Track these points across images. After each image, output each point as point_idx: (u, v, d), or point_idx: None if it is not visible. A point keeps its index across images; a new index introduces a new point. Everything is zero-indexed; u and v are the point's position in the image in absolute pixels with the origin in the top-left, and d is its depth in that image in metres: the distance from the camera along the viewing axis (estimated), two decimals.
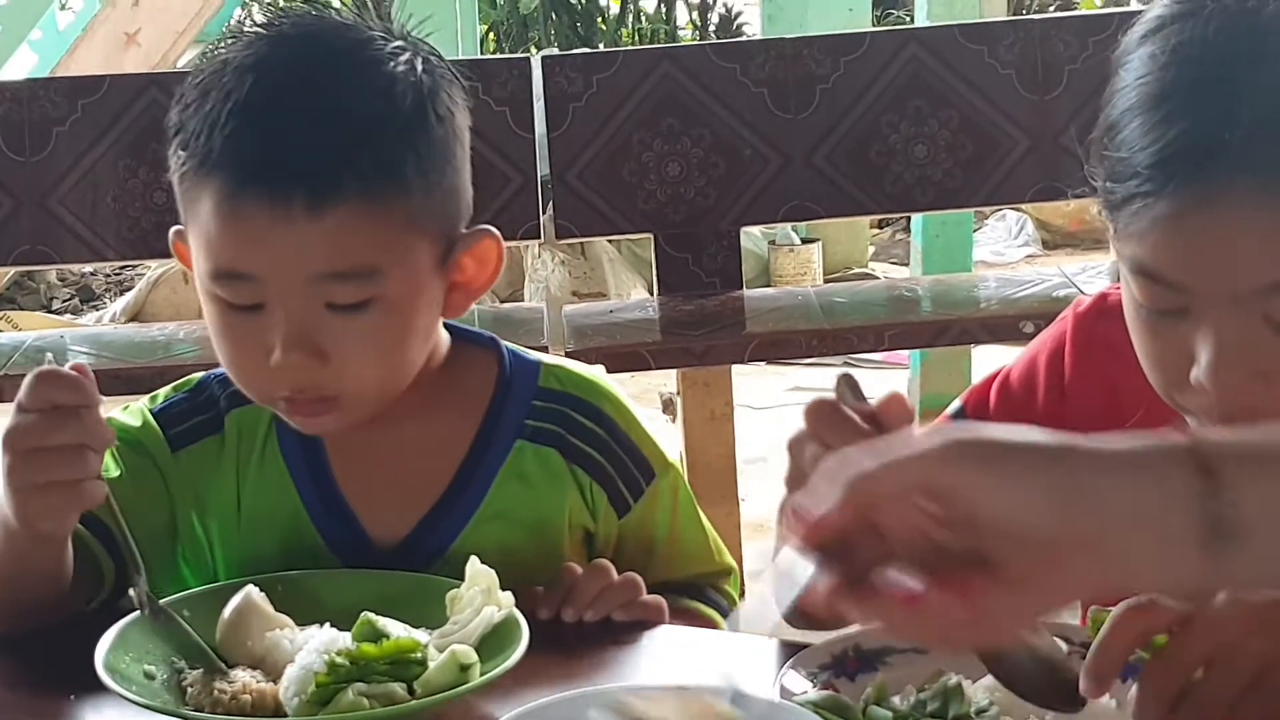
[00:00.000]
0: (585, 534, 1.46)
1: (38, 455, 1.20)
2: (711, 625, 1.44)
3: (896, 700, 1.07)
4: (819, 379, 5.38)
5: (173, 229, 1.40)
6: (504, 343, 1.49)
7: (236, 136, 1.27)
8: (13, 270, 5.57)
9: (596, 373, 1.50)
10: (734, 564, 1.53)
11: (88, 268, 6.35)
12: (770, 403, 5.11)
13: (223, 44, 1.34)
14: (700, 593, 1.48)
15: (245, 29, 1.38)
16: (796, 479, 1.06)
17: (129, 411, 1.47)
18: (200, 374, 1.47)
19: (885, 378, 5.19)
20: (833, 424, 1.07)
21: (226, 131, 1.27)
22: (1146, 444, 0.89)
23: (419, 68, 1.33)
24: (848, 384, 1.10)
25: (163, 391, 1.48)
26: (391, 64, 1.32)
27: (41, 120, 3.61)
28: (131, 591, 1.27)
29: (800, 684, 1.10)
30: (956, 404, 1.46)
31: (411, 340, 1.35)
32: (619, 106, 3.57)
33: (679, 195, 3.62)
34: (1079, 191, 1.25)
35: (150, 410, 1.46)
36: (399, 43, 1.35)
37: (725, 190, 3.63)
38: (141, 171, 3.60)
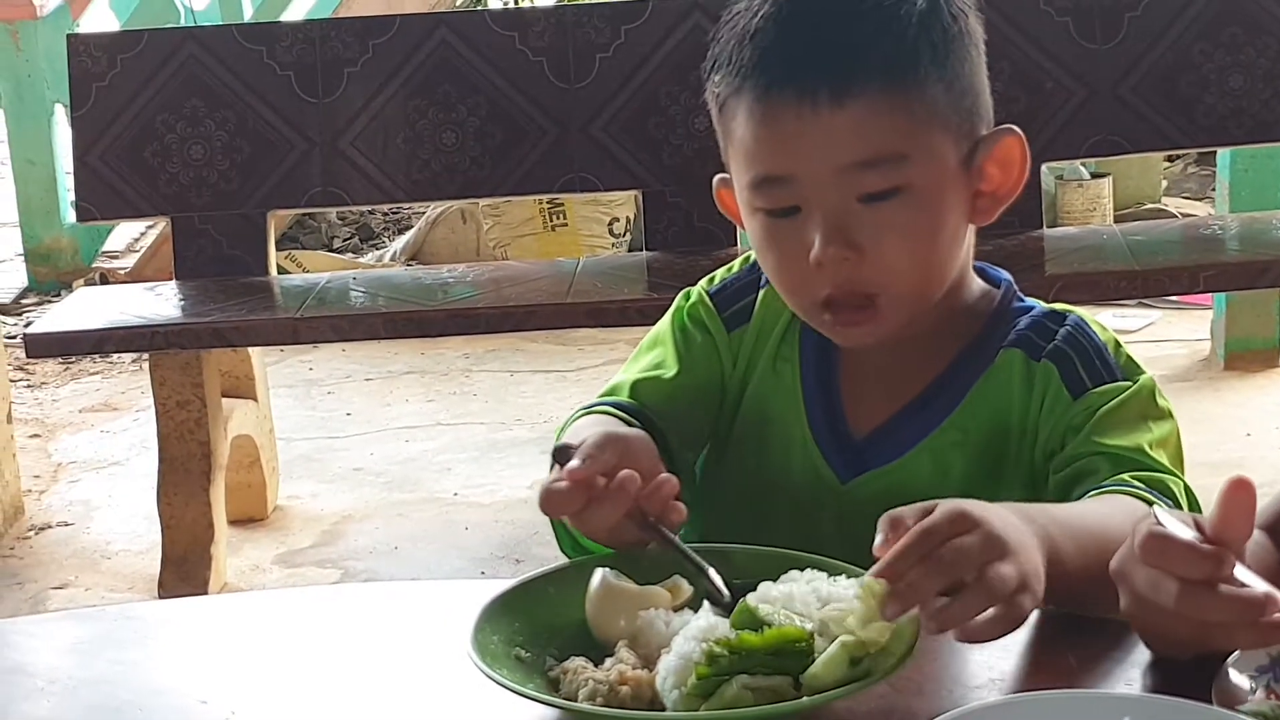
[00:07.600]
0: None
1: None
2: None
3: None
4: (1108, 321, 5.17)
5: (716, 178, 1.49)
6: (1014, 285, 1.50)
7: (764, 43, 1.36)
8: (298, 210, 5.66)
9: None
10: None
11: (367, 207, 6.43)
12: None
13: None
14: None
15: None
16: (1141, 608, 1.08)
17: (693, 294, 1.56)
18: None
19: (1183, 319, 4.96)
20: (1174, 558, 1.05)
21: (754, 39, 1.37)
22: None
23: None
24: (1162, 514, 1.07)
25: (719, 273, 1.58)
26: None
27: (333, 61, 3.61)
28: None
29: (1242, 688, 0.99)
30: None
31: (941, 237, 1.39)
32: None
33: None
34: None
35: (707, 291, 1.56)
36: None
37: (1027, 124, 3.38)
38: (431, 112, 3.59)
